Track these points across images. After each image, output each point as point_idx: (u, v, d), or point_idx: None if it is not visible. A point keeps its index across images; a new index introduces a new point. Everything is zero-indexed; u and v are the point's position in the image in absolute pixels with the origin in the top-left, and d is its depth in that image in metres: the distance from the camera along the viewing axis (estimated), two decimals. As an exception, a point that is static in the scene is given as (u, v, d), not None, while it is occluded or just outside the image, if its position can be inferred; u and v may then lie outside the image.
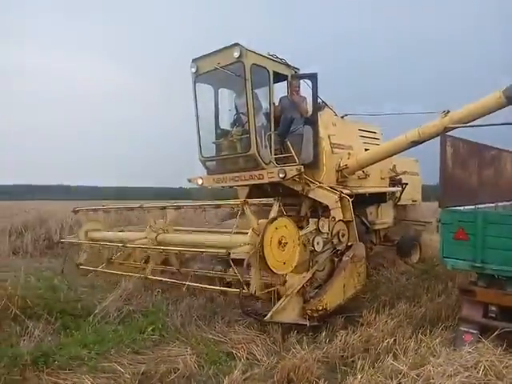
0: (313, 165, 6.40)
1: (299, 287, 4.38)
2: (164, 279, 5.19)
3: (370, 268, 6.66)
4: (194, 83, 6.66)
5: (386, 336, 4.09)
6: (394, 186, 8.23)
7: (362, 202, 7.13)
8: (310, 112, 6.43)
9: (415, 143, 6.10)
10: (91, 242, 6.17)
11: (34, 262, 8.11)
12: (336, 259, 5.02)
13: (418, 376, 3.04)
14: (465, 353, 3.26)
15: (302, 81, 6.69)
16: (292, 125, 6.27)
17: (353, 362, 3.66)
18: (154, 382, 3.15)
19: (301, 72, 6.80)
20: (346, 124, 7.38)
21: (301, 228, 4.88)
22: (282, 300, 4.22)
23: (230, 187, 7.26)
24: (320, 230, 4.83)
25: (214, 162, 7.05)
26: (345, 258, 4.94)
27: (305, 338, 4.18)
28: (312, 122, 6.44)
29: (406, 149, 6.33)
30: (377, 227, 7.73)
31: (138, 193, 43.29)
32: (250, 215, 4.36)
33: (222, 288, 4.80)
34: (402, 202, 8.83)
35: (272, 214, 4.41)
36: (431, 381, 2.91)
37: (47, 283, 5.05)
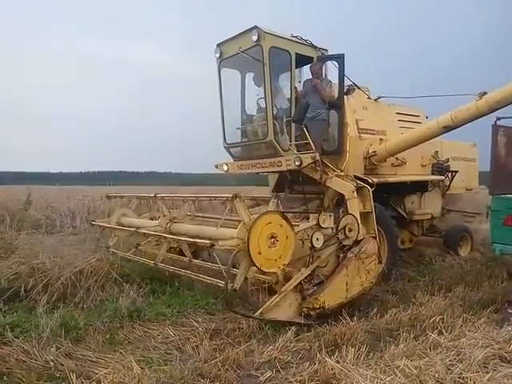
0: (336, 152, 6.18)
1: (295, 284, 4.25)
2: (169, 267, 5.31)
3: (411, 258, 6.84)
4: (219, 68, 6.65)
5: (434, 314, 4.35)
6: (439, 174, 7.63)
7: (399, 191, 6.88)
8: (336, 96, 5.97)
9: (448, 129, 5.67)
10: (117, 227, 6.28)
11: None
12: (342, 255, 4.79)
13: (453, 346, 3.34)
14: (503, 330, 3.51)
15: (331, 62, 6.36)
16: (310, 110, 5.94)
17: (398, 334, 3.95)
18: (222, 337, 3.79)
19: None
20: (380, 107, 6.93)
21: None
22: (274, 297, 4.13)
23: (255, 173, 7.27)
24: (321, 226, 4.55)
25: (239, 149, 7.03)
26: (349, 255, 4.66)
27: (356, 312, 4.53)
28: (337, 106, 6.15)
29: (438, 135, 5.94)
30: (417, 218, 7.34)
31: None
32: (240, 209, 4.27)
33: (210, 279, 4.79)
34: (453, 191, 8.22)
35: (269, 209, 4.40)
36: (462, 350, 3.24)
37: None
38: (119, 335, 3.89)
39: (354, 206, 5.44)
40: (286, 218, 4.21)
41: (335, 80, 6.21)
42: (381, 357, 3.38)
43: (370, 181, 5.87)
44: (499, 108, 5.10)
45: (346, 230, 4.83)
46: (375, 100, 6.91)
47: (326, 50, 6.43)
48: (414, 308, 4.62)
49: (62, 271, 4.85)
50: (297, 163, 5.81)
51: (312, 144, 5.81)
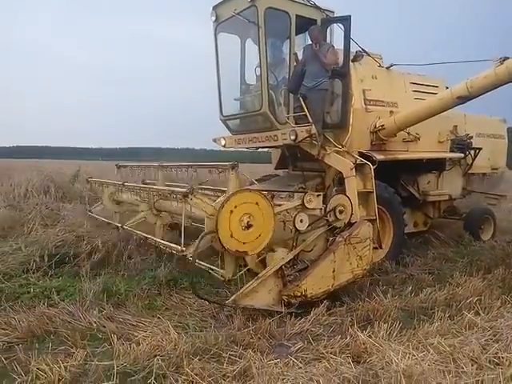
0: (339, 125, 6.03)
1: (275, 269, 4.05)
2: (135, 231, 5.21)
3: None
4: (215, 33, 6.51)
5: (471, 295, 4.65)
6: (460, 151, 7.23)
7: (412, 169, 6.72)
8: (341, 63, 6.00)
9: (463, 99, 5.34)
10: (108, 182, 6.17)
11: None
12: (331, 239, 4.55)
13: (489, 327, 3.32)
14: (544, 313, 3.45)
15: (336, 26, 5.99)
16: (310, 78, 5.67)
17: (433, 313, 4.29)
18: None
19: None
20: (393, 76, 6.65)
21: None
22: (250, 283, 3.95)
23: (255, 149, 7.04)
24: (306, 206, 4.30)
25: (237, 122, 6.87)
26: (338, 239, 4.41)
27: (390, 289, 4.86)
28: (341, 74, 5.98)
29: (452, 106, 5.63)
30: (432, 199, 7.10)
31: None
32: (232, 181, 4.21)
33: (165, 244, 4.61)
34: (476, 171, 7.89)
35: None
36: (498, 331, 3.37)
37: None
38: (157, 301, 4.43)
39: (352, 185, 5.35)
40: (264, 197, 4.04)
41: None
42: (414, 334, 3.68)
43: (373, 158, 5.81)
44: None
45: (337, 211, 4.56)
46: (387, 68, 6.66)
47: (332, 12, 6.27)
48: (451, 288, 4.95)
49: (104, 240, 5.00)
50: (292, 137, 5.65)
51: (309, 116, 5.66)
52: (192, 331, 3.70)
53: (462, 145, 7.20)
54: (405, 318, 4.18)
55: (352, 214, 4.66)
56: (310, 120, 5.57)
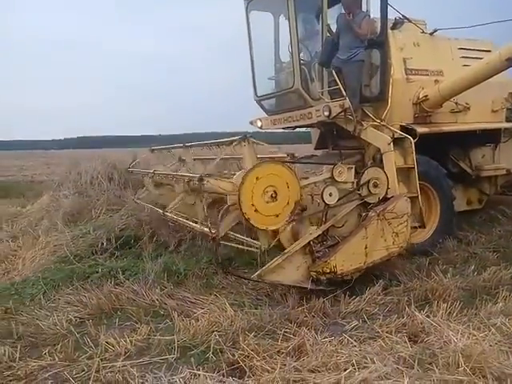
0: (378, 98, 5.60)
1: (302, 244, 3.89)
2: (174, 216, 5.17)
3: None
4: (247, 11, 6.32)
5: None
6: None
7: (463, 142, 6.21)
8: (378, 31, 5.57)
9: None
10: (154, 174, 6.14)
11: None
12: (364, 214, 4.31)
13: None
14: None
15: None
16: (345, 50, 5.27)
17: (496, 292, 4.07)
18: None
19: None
20: (437, 42, 6.11)
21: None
22: (276, 258, 3.83)
23: (292, 129, 6.77)
24: (336, 179, 4.09)
25: (272, 102, 6.64)
26: (371, 214, 4.15)
27: (451, 269, 4.64)
28: (378, 44, 5.56)
29: (501, 70, 5.11)
30: (486, 174, 6.51)
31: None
32: (246, 154, 4.03)
33: (195, 226, 4.64)
34: None
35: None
36: None
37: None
38: (214, 280, 4.55)
39: (391, 161, 5.03)
40: (290, 169, 3.89)
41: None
42: (476, 314, 3.53)
43: (414, 131, 5.43)
44: None
45: (371, 185, 4.32)
46: (431, 34, 6.13)
47: None
48: (518, 267, 4.42)
49: (164, 223, 5.54)
50: (325, 113, 5.32)
51: (342, 90, 5.29)
52: (247, 309, 3.77)
53: None
54: (466, 297, 3.98)
55: (388, 188, 4.43)
56: (344, 94, 5.22)
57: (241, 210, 3.64)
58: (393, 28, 5.69)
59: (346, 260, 3.96)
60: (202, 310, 3.65)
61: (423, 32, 6.05)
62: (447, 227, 5.63)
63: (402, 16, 5.77)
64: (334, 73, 5.33)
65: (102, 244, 5.26)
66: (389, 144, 5.01)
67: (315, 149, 7.24)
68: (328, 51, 5.45)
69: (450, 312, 3.51)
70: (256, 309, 3.78)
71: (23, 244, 5.83)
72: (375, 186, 4.33)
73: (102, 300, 3.86)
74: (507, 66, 4.96)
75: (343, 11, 5.48)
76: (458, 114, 5.97)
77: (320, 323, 3.52)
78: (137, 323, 3.54)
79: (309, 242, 3.93)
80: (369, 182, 4.30)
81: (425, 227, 5.27)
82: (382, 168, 4.61)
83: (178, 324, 3.41)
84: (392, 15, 5.68)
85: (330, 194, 3.99)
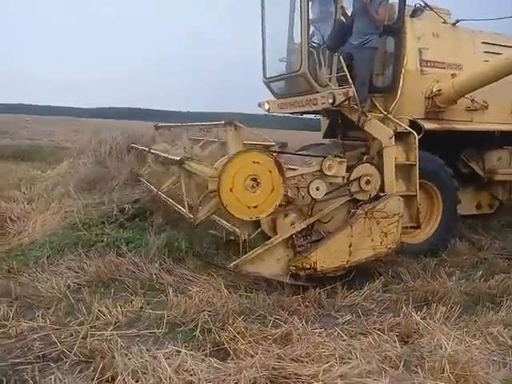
0: (389, 89, 5.30)
1: (285, 237, 3.77)
2: (164, 196, 5.17)
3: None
4: None
5: None
6: None
7: (477, 143, 5.91)
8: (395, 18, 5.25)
9: None
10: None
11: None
12: (352, 211, 4.13)
13: None
14: None
15: None
16: (358, 35, 5.03)
17: (501, 301, 3.93)
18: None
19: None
20: (459, 34, 5.71)
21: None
22: (256, 249, 3.71)
23: (300, 114, 6.56)
24: (324, 173, 3.90)
25: (281, 85, 6.36)
26: (358, 212, 3.98)
27: (457, 272, 4.59)
28: (394, 31, 5.26)
29: None
30: (500, 178, 6.14)
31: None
32: (230, 139, 3.82)
33: (177, 206, 4.64)
34: None
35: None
36: None
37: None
38: (214, 260, 4.49)
39: (390, 156, 4.79)
40: (274, 159, 3.68)
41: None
42: (475, 321, 3.44)
43: (420, 126, 5.12)
44: None
45: (362, 181, 4.15)
46: (453, 25, 5.74)
47: None
48: (529, 276, 4.32)
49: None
50: (329, 100, 5.05)
51: (349, 77, 5.00)
52: (242, 292, 3.74)
53: None
54: (467, 303, 3.87)
55: (382, 186, 4.30)
56: (350, 81, 4.94)
57: (219, 197, 3.50)
58: (412, 15, 5.34)
59: (328, 257, 3.83)
60: (197, 289, 3.65)
61: (445, 22, 5.62)
62: (450, 229, 5.37)
63: (424, 3, 5.42)
64: (343, 59, 5.07)
65: (115, 214, 5.20)
66: (390, 138, 4.77)
67: (324, 137, 6.98)
68: (338, 35, 5.21)
69: (447, 316, 3.43)
70: (251, 293, 3.74)
71: (37, 207, 5.95)
72: (367, 183, 4.18)
73: (101, 268, 3.91)
74: None
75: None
76: (474, 113, 5.63)
77: (313, 314, 3.48)
78: (132, 295, 3.57)
79: (292, 235, 3.83)
80: (360, 178, 4.16)
81: (420, 228, 5.05)
82: (376, 165, 4.41)
83: (172, 300, 3.42)
84: (412, 1, 5.37)
85: (317, 188, 3.84)
